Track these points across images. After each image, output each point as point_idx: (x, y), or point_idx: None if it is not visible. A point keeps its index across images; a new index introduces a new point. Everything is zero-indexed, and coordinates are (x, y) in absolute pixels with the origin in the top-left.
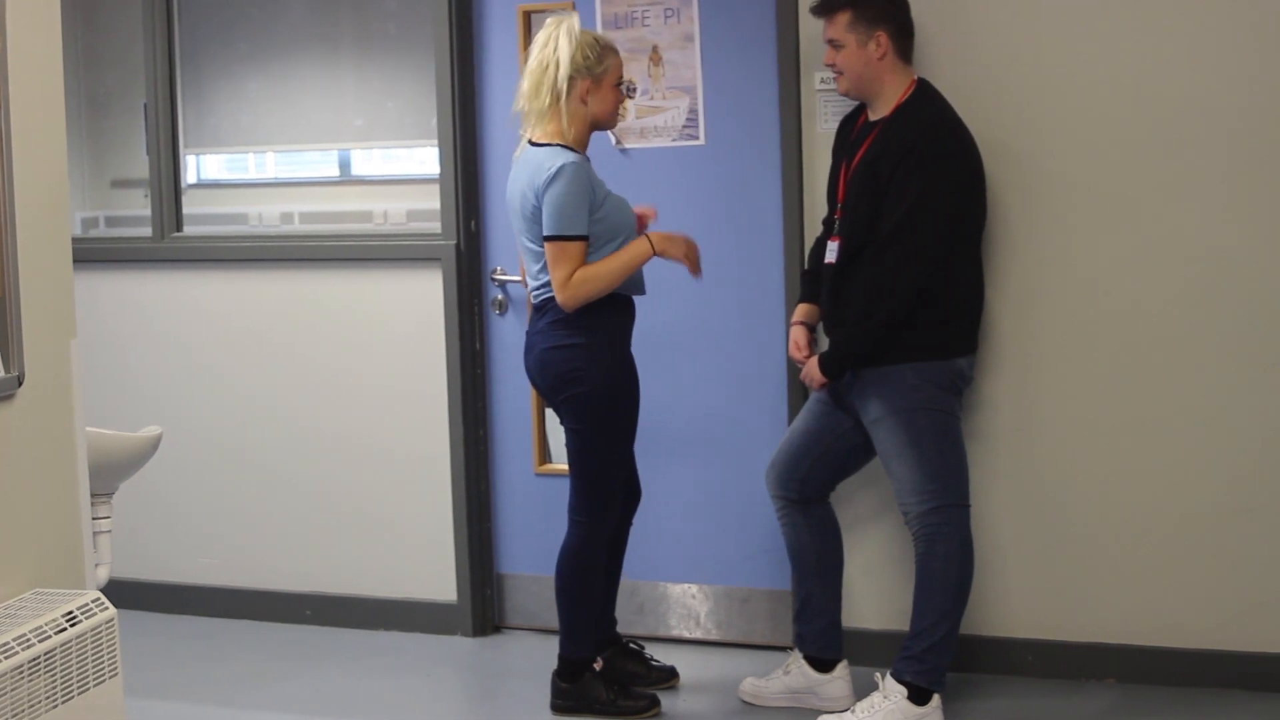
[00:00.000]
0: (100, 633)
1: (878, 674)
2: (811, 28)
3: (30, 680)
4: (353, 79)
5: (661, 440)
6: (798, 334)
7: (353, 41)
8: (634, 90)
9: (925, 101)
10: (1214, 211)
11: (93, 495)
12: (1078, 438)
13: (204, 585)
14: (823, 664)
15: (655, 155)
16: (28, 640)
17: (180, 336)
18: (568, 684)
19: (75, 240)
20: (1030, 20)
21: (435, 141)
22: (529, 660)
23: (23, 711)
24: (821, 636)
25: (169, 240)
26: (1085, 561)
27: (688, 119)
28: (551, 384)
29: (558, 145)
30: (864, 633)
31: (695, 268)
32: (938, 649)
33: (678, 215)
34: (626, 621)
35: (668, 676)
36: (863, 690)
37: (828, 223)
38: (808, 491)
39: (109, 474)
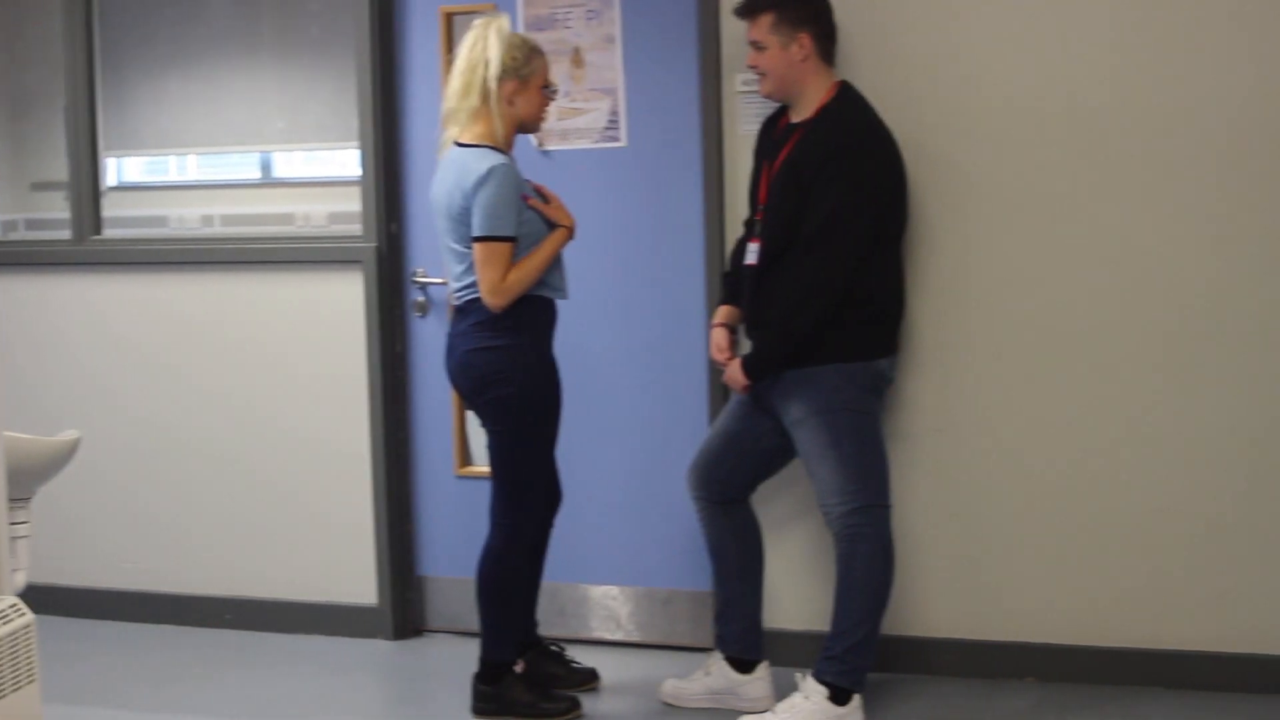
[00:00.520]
0: (18, 638)
1: (798, 674)
2: (733, 29)
3: None
4: (274, 81)
5: (583, 442)
6: (719, 336)
7: (274, 43)
8: (556, 92)
9: (847, 104)
10: (1134, 212)
11: (10, 500)
12: (998, 438)
13: (123, 590)
14: (743, 665)
15: (577, 157)
16: None
17: (100, 340)
18: (489, 686)
19: None
20: (951, 23)
21: (357, 143)
22: (450, 663)
23: None
24: (742, 637)
25: (89, 243)
26: (1005, 561)
27: (609, 121)
28: (473, 386)
29: (486, 146)
30: (785, 633)
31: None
32: (859, 649)
33: (599, 217)
34: (548, 623)
35: (589, 678)
36: (784, 691)
37: (749, 224)
38: (729, 492)
39: (26, 478)
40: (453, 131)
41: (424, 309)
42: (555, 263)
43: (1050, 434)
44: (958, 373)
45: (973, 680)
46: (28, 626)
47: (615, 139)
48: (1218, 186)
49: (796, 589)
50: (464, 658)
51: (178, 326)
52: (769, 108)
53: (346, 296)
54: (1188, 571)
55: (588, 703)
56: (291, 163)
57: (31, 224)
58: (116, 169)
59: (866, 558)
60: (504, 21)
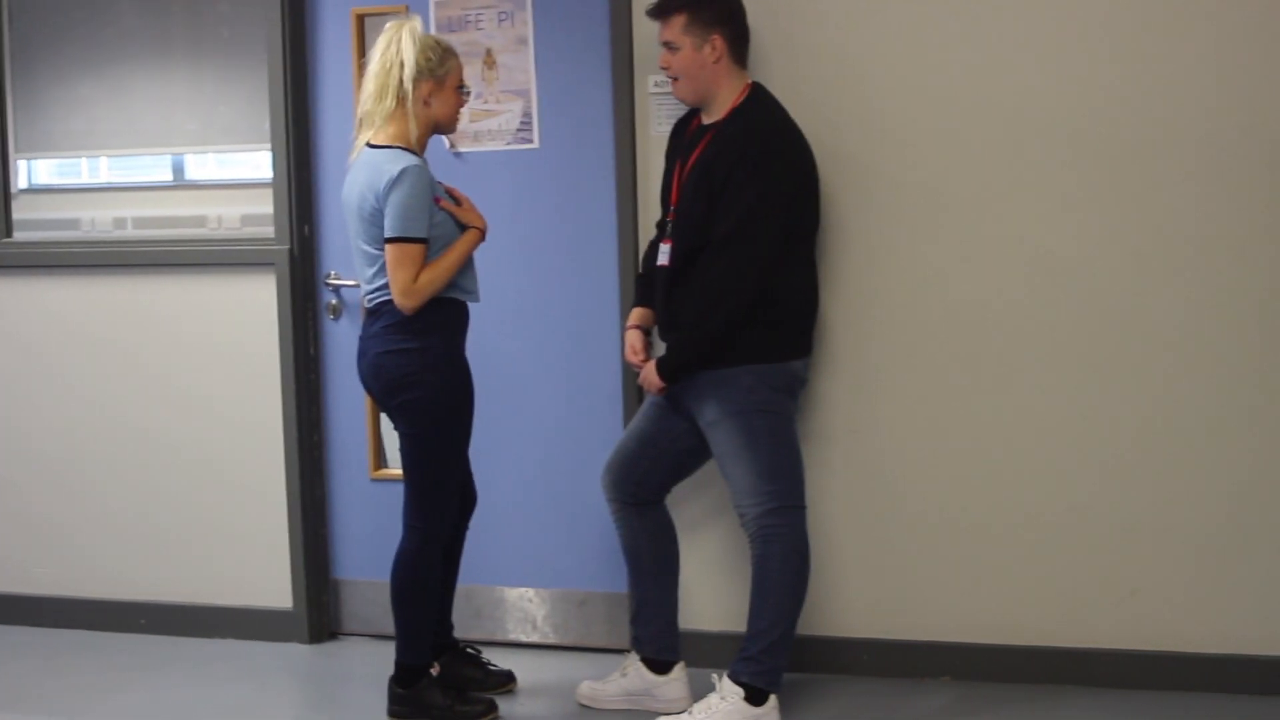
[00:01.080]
0: None
1: (714, 675)
2: (645, 31)
3: None
4: (186, 83)
5: (497, 444)
6: (633, 338)
7: (186, 45)
8: (470, 93)
9: (759, 105)
10: (1046, 212)
11: None
12: (911, 438)
13: (37, 595)
14: (660, 666)
15: (489, 159)
16: None
17: (11, 342)
18: (405, 690)
19: None
20: (863, 25)
21: (269, 145)
22: (366, 666)
23: None
24: (658, 638)
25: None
26: (920, 561)
27: (522, 122)
28: (386, 389)
29: (398, 148)
30: (701, 634)
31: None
32: (774, 650)
33: (511, 219)
34: (463, 626)
35: (505, 680)
36: (700, 691)
37: (661, 226)
38: (643, 494)
39: None
40: (367, 134)
41: (337, 311)
42: (467, 265)
43: (964, 434)
44: (872, 373)
45: (888, 680)
46: None
47: (528, 140)
48: (1130, 187)
49: (712, 590)
50: (380, 661)
51: (90, 330)
52: (681, 109)
53: (259, 299)
54: (1100, 570)
55: (504, 705)
56: (204, 165)
57: None
58: (27, 171)
59: (782, 559)
60: (416, 23)
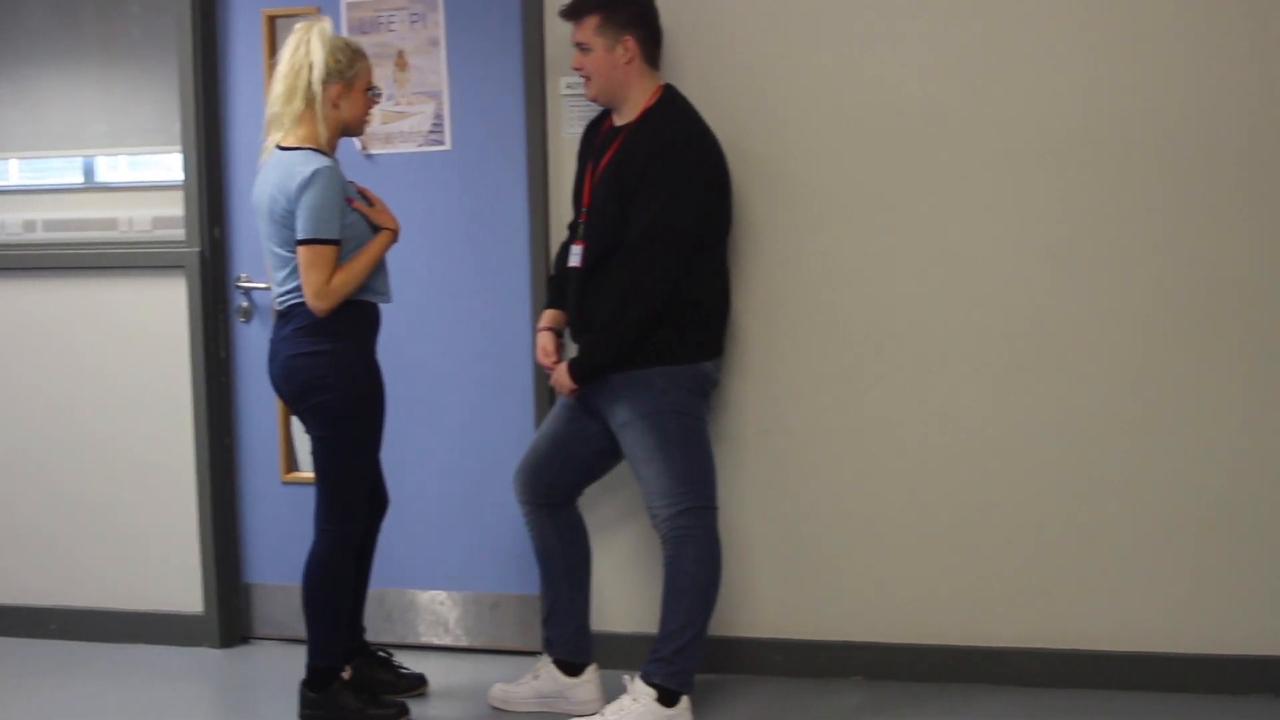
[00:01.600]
0: None
1: (626, 677)
2: (557, 32)
3: None
4: (96, 84)
5: (408, 447)
6: (545, 340)
7: (95, 46)
8: (380, 94)
9: (671, 107)
10: (958, 214)
11: None
12: (822, 439)
13: None
14: (572, 668)
15: (401, 160)
16: None
17: None
18: (316, 693)
19: None
20: (776, 26)
21: (179, 147)
22: (277, 670)
23: None
24: (570, 640)
25: None
26: (831, 561)
27: (433, 124)
28: (296, 391)
29: (309, 149)
30: (613, 636)
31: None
32: (687, 651)
33: (424, 220)
34: (375, 629)
35: (417, 684)
36: (612, 693)
37: (573, 227)
38: (555, 496)
39: None
40: (276, 136)
41: (248, 314)
42: (379, 266)
43: (875, 435)
44: (783, 374)
45: (801, 679)
46: None
47: (439, 142)
48: (1044, 189)
49: (624, 592)
50: (291, 665)
51: None
52: (593, 110)
53: (170, 302)
54: (1011, 569)
55: (416, 708)
56: (115, 167)
57: None
58: None
59: (694, 560)
60: (326, 24)
